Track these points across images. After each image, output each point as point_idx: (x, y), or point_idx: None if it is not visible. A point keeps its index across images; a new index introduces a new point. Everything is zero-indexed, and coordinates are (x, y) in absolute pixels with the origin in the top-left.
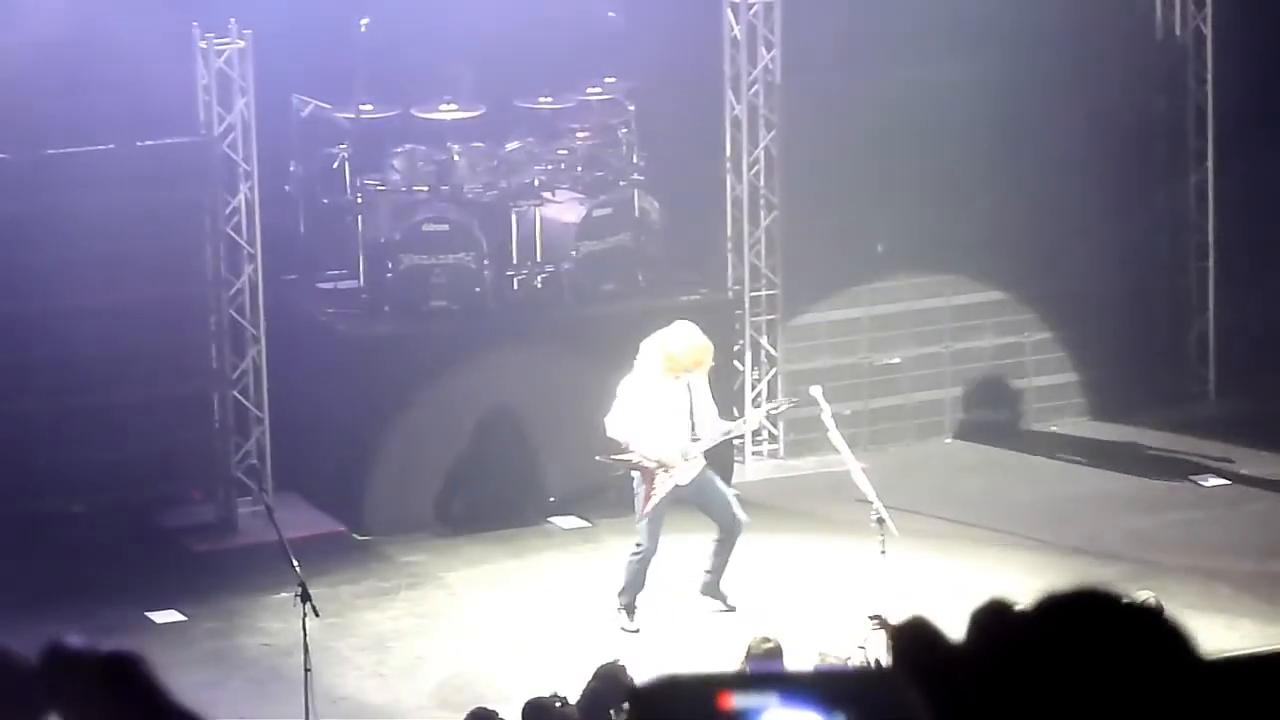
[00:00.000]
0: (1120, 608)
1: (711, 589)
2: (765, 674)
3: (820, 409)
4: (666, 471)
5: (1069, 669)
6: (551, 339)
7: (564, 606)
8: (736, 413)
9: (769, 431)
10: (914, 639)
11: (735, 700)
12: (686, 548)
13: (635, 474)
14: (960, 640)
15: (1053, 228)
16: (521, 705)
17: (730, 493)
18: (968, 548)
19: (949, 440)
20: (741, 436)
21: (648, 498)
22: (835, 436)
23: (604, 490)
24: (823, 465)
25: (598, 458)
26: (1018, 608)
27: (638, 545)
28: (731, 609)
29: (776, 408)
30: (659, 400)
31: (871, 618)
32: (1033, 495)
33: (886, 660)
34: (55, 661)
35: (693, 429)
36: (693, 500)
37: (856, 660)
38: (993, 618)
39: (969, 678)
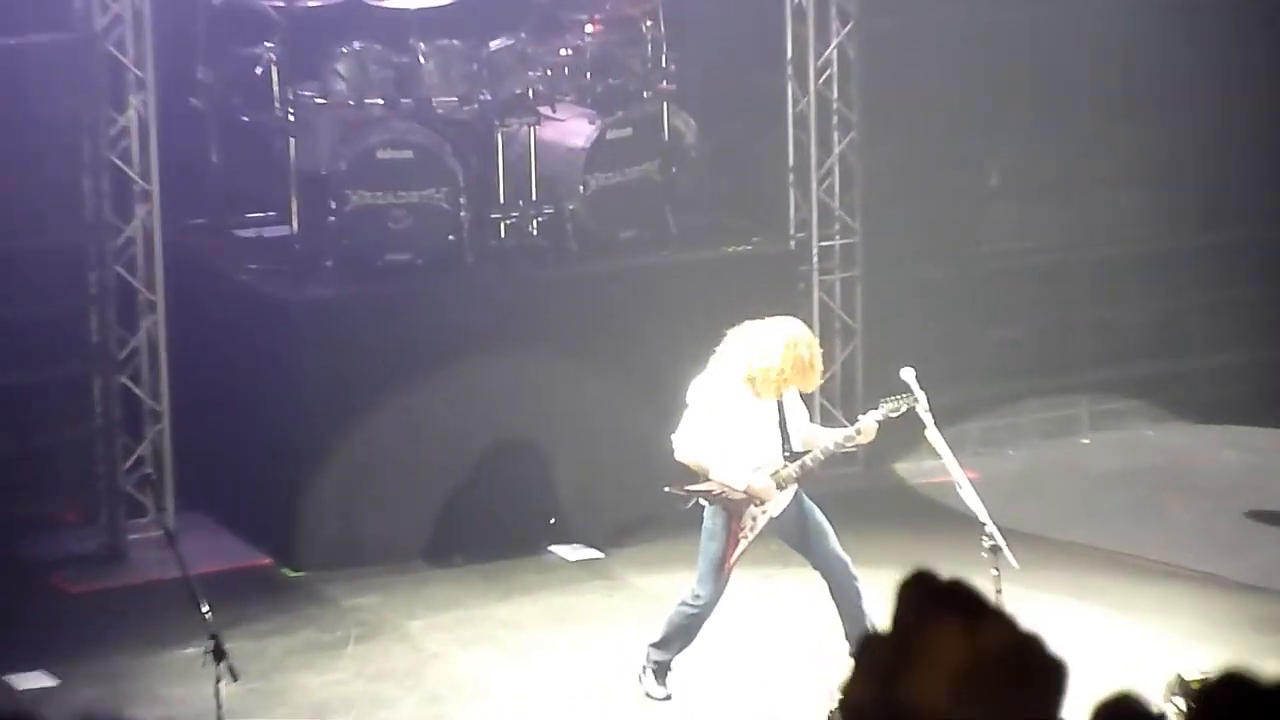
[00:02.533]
0: None
1: None
2: None
3: (914, 399)
4: (759, 505)
5: None
6: (551, 304)
7: (568, 666)
8: (830, 407)
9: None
10: (1124, 716)
11: None
12: (754, 593)
13: (711, 507)
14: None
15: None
16: None
17: (830, 529)
18: (1111, 585)
19: (1086, 440)
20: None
21: (734, 541)
22: (934, 435)
23: (625, 513)
24: (915, 474)
25: (667, 490)
26: (1258, 681)
27: (696, 596)
28: None
29: (897, 409)
30: (744, 412)
31: None
32: (1196, 513)
33: None
34: None
35: (785, 444)
36: (783, 535)
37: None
38: (1228, 690)
39: None
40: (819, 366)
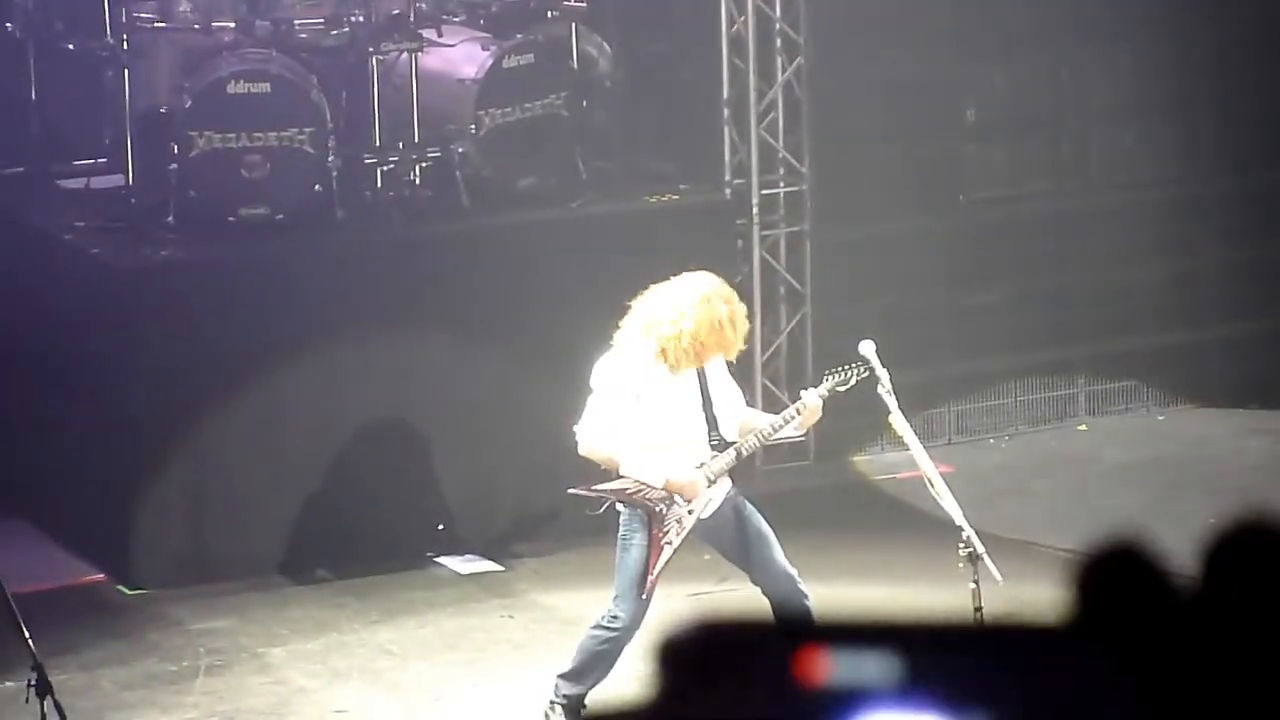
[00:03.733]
0: None
1: None
2: (871, 628)
3: (867, 370)
4: (683, 505)
5: None
6: (437, 268)
7: (462, 702)
8: (774, 389)
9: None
10: (1120, 577)
11: (832, 666)
12: (683, 613)
13: (626, 510)
14: (1185, 575)
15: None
16: None
17: (774, 537)
18: None
19: (1083, 427)
20: (796, 437)
21: (656, 550)
22: (899, 422)
23: (527, 518)
24: (876, 468)
25: (573, 491)
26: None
27: (613, 618)
28: None
29: (846, 382)
30: (659, 393)
31: None
32: (1216, 513)
33: (1073, 610)
34: None
35: (713, 431)
36: (716, 543)
37: None
38: (1241, 543)
39: (1205, 630)
40: (742, 327)
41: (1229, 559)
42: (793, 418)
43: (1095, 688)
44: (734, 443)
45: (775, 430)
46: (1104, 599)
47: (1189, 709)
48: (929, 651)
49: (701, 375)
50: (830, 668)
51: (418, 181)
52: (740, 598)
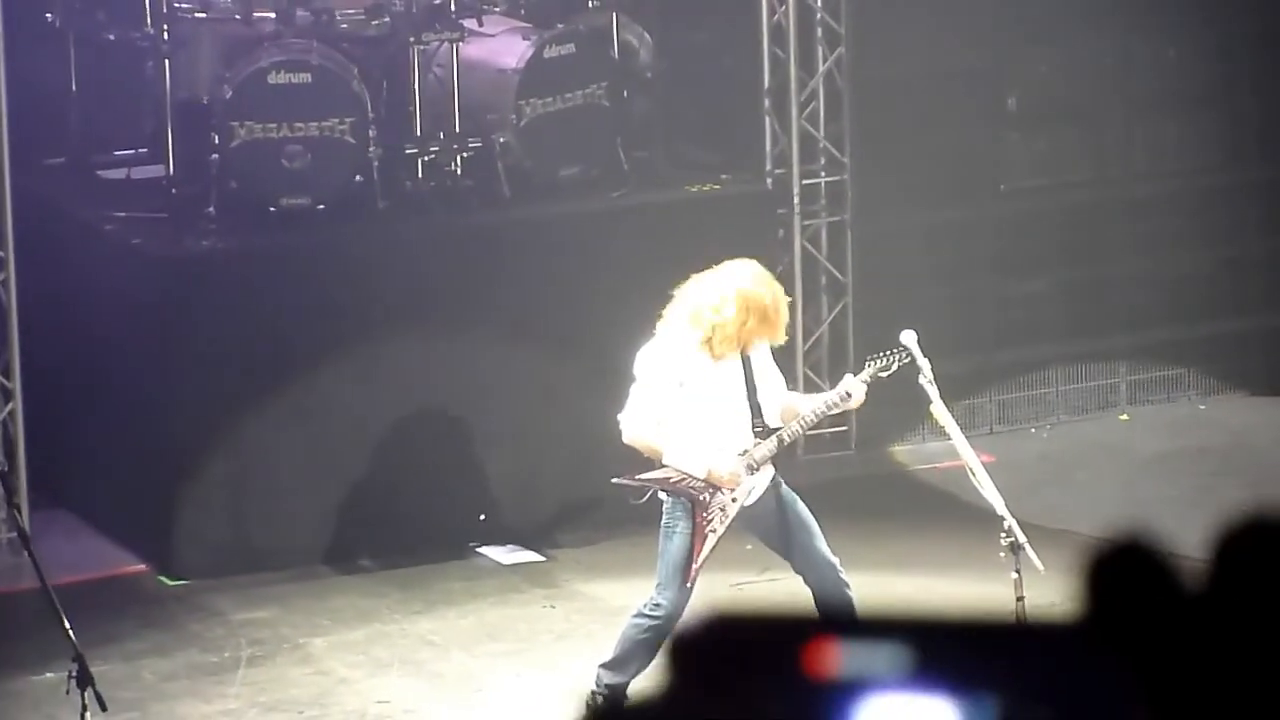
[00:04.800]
0: None
1: None
2: (879, 622)
3: (907, 356)
4: (726, 493)
5: None
6: (478, 258)
7: (503, 692)
8: (815, 379)
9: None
10: (1129, 571)
11: (839, 659)
12: (725, 602)
13: (670, 498)
14: (1197, 570)
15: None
16: None
17: (816, 525)
18: None
19: (1125, 416)
20: (838, 420)
21: (700, 538)
22: (941, 411)
23: (569, 508)
24: (918, 458)
25: (616, 481)
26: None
27: (655, 606)
28: None
29: (887, 368)
30: (703, 381)
31: None
32: (1259, 503)
33: (1081, 606)
34: None
35: (756, 417)
36: (759, 532)
37: None
38: (1256, 538)
39: (1218, 628)
40: (785, 312)
41: (1239, 554)
42: (835, 404)
43: (1102, 683)
44: (777, 429)
45: (818, 416)
46: (1111, 595)
47: (1196, 706)
48: (939, 643)
49: (746, 362)
50: (840, 661)
51: (459, 172)
52: (774, 589)
